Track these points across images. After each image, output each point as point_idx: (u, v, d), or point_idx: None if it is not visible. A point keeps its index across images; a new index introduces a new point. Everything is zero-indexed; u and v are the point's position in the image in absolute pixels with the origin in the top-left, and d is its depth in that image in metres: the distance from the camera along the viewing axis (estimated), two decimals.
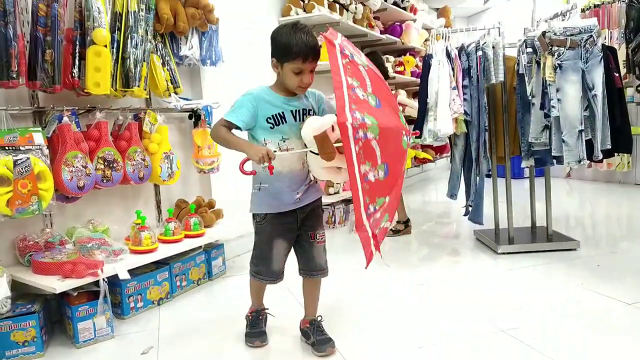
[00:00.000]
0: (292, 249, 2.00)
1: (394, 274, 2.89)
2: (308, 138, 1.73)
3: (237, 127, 1.77)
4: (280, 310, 2.22)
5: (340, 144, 1.61)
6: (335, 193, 4.23)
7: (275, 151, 1.72)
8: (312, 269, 1.98)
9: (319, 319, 2.02)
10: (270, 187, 1.83)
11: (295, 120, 1.80)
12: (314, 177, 1.89)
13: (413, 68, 5.62)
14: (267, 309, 2.14)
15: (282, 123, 1.79)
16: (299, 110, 1.82)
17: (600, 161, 2.94)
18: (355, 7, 4.50)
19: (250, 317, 2.09)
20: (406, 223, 3.83)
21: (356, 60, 1.70)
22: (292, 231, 1.92)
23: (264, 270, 1.96)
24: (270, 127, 1.78)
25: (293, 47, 1.71)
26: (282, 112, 1.79)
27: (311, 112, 1.84)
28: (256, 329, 2.07)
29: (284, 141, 1.79)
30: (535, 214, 3.42)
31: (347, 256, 3.32)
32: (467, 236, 3.65)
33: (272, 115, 1.78)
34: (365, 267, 1.62)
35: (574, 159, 2.66)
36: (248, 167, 1.74)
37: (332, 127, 1.68)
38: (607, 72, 2.67)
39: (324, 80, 4.44)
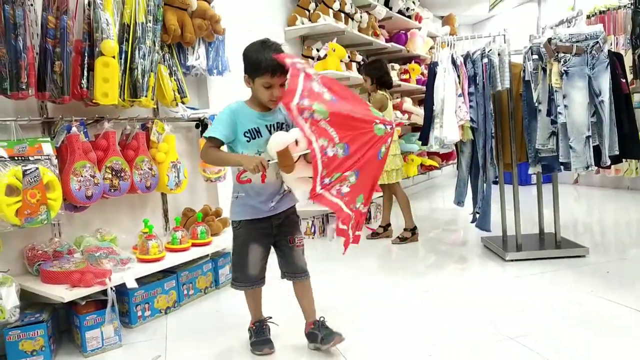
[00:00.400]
0: (275, 254, 2.08)
1: (401, 281, 2.88)
2: (271, 153, 1.83)
3: (221, 142, 1.88)
4: (283, 316, 2.23)
5: (308, 151, 1.75)
6: None
7: (269, 161, 1.80)
8: (295, 271, 2.04)
9: (321, 319, 2.04)
10: (247, 196, 1.94)
11: (270, 134, 1.89)
12: (288, 187, 1.99)
13: (418, 76, 5.64)
14: (270, 317, 2.16)
15: (258, 137, 1.89)
16: (273, 125, 1.92)
17: (608, 167, 2.93)
18: (361, 16, 4.53)
19: (253, 328, 2.11)
20: (413, 230, 3.83)
21: (309, 72, 1.82)
22: (267, 236, 2.00)
23: (241, 276, 2.03)
24: (247, 141, 1.88)
25: (262, 63, 1.81)
26: (258, 127, 1.90)
27: (284, 126, 1.94)
28: (261, 337, 2.07)
29: (260, 154, 1.88)
30: (543, 220, 3.40)
31: (355, 263, 3.32)
32: (474, 243, 3.64)
33: (249, 130, 1.89)
34: (343, 253, 1.87)
35: (581, 165, 2.64)
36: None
37: (296, 141, 1.79)
38: (613, 78, 2.66)
39: None
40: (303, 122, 1.70)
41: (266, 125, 1.90)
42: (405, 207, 3.84)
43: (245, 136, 1.88)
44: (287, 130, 1.90)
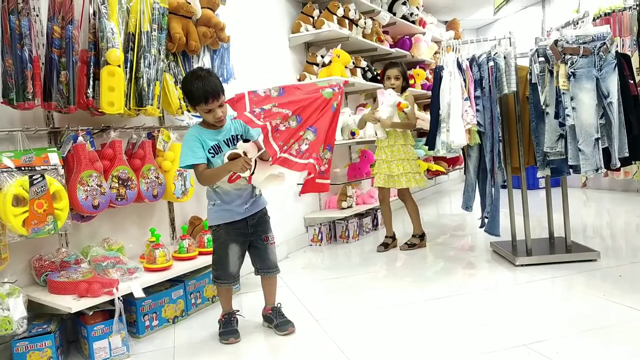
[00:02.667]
0: (249, 254, 2.31)
1: (409, 287, 2.85)
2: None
3: (204, 165, 2.13)
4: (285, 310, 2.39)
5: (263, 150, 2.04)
6: (348, 207, 4.22)
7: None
8: (268, 267, 2.31)
9: (278, 305, 2.36)
10: (222, 203, 2.19)
11: (229, 147, 2.16)
12: (259, 192, 2.26)
13: (423, 81, 5.62)
14: (238, 311, 2.36)
15: (220, 152, 2.15)
16: (229, 138, 2.18)
17: (618, 169, 2.90)
18: (365, 22, 4.53)
19: (222, 320, 2.31)
20: (421, 237, 3.80)
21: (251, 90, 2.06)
22: (244, 235, 2.24)
23: (222, 273, 2.25)
24: (212, 156, 2.15)
25: (194, 94, 2.06)
26: (217, 144, 2.16)
27: (239, 137, 2.19)
28: (228, 328, 2.27)
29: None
30: (552, 224, 3.36)
31: (362, 270, 3.30)
32: (483, 248, 3.60)
33: (212, 147, 2.15)
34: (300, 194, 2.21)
35: (591, 168, 2.61)
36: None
37: (244, 152, 2.04)
38: (621, 80, 2.64)
39: None
40: (256, 119, 1.94)
41: (223, 141, 2.17)
42: (414, 214, 3.78)
43: (209, 153, 2.14)
44: (241, 139, 2.18)
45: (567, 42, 2.65)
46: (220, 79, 2.99)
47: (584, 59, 2.62)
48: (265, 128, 1.94)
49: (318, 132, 2.02)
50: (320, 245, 4.10)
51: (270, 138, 1.94)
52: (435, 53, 6.04)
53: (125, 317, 2.15)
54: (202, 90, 2.04)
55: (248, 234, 2.25)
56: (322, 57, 4.18)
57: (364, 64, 4.55)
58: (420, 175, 3.67)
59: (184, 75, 2.80)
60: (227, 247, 2.22)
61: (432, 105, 3.26)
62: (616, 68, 2.61)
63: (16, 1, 1.93)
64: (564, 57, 2.65)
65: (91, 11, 2.25)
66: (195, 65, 2.88)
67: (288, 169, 2.00)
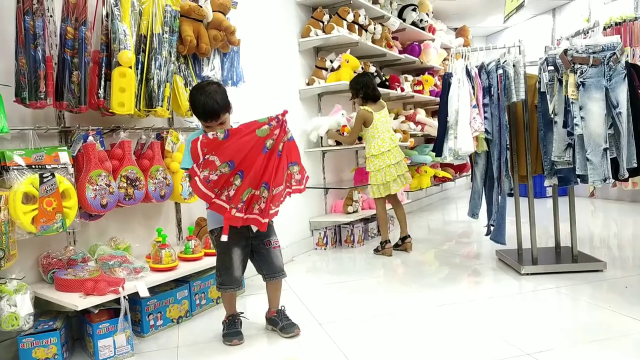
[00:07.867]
0: (253, 261, 2.32)
1: (414, 294, 2.84)
2: None
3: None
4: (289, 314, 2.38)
5: None
6: (354, 212, 4.22)
7: None
8: (274, 272, 2.29)
9: (282, 308, 2.35)
10: None
11: None
12: None
13: (432, 87, 5.63)
14: (242, 313, 2.37)
15: None
16: None
17: (626, 180, 2.88)
18: (374, 28, 4.55)
19: (227, 322, 2.32)
20: (383, 245, 3.85)
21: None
22: (245, 239, 2.24)
23: (227, 279, 2.25)
24: None
25: (197, 108, 2.12)
26: None
27: None
28: (232, 329, 2.28)
29: None
30: (559, 233, 3.35)
31: (366, 275, 3.30)
32: (488, 256, 3.59)
33: None
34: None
35: (599, 178, 2.60)
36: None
37: None
38: (631, 90, 2.62)
39: (335, 99, 4.47)
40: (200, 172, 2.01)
41: None
42: (381, 223, 3.89)
43: None
44: None
45: (577, 52, 2.65)
46: (230, 82, 3.05)
47: (593, 68, 2.62)
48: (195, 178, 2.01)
49: (245, 177, 2.00)
50: (325, 249, 4.10)
51: (202, 186, 2.00)
52: (444, 60, 6.04)
53: (130, 316, 2.16)
54: (202, 109, 2.09)
55: (249, 238, 2.25)
56: (331, 61, 4.19)
57: (372, 69, 4.56)
58: (370, 187, 3.85)
59: (194, 77, 2.83)
60: (230, 251, 2.22)
61: (440, 112, 3.26)
62: (626, 78, 2.60)
63: (31, 2, 1.96)
64: (573, 67, 2.65)
65: (104, 13, 2.28)
66: (205, 68, 2.91)
67: (214, 210, 2.05)
